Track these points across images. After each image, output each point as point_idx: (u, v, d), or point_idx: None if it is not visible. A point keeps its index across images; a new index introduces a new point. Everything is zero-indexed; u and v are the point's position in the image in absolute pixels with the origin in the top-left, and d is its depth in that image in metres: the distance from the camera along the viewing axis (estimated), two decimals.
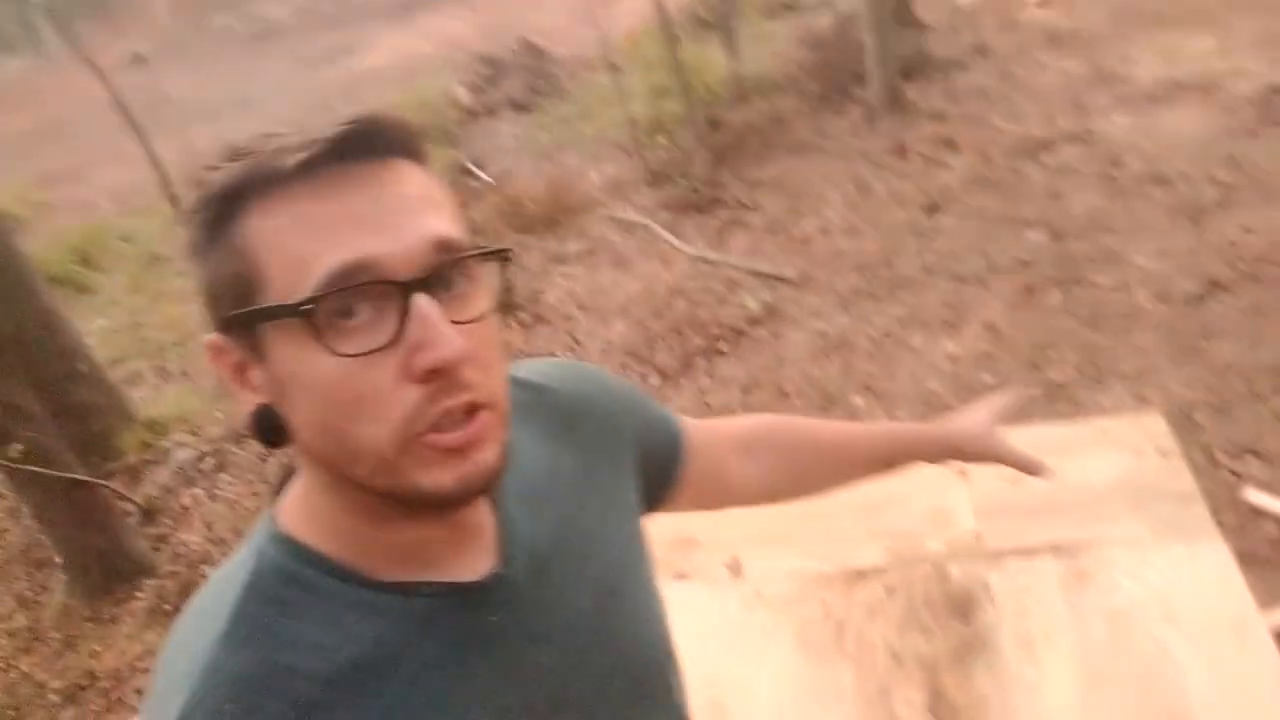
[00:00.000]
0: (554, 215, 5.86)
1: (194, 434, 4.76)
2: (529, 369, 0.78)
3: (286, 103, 9.92)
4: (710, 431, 0.94)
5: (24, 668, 3.66)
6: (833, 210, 5.17)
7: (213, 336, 0.58)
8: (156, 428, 4.77)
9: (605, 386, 0.82)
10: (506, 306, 5.08)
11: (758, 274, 4.79)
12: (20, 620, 3.93)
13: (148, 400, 5.15)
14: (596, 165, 6.50)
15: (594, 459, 0.76)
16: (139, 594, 3.84)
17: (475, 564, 0.63)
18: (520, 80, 8.17)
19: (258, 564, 0.59)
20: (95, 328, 6.11)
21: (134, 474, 4.52)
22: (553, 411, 0.75)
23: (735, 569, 1.73)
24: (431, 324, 0.53)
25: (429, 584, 0.61)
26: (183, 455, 4.59)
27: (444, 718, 0.59)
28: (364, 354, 0.53)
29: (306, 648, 0.56)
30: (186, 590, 3.81)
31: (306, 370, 0.54)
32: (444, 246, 0.55)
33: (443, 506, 0.57)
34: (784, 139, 5.95)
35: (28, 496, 3.84)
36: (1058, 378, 3.57)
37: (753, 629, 1.60)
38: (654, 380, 4.31)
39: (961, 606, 1.53)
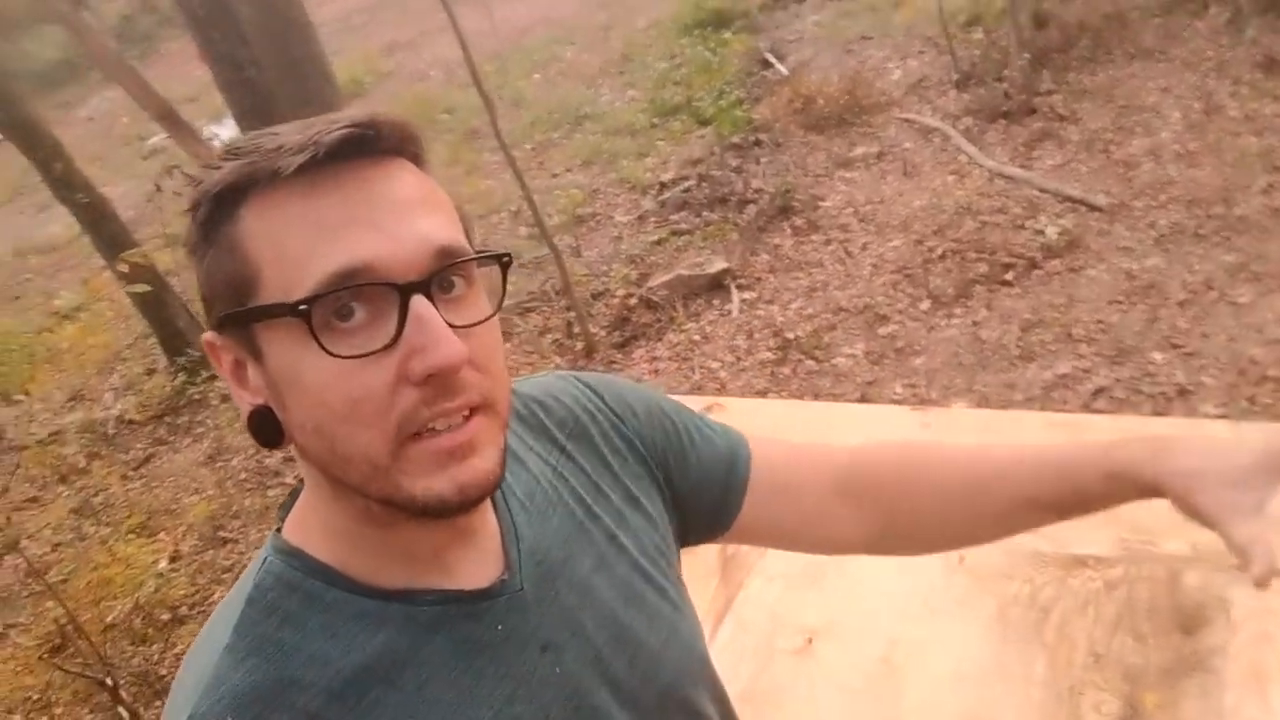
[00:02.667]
0: (846, 114, 5.61)
1: None
2: (531, 385, 0.77)
3: None
4: (802, 459, 0.83)
5: None
6: (1168, 130, 4.52)
7: (209, 335, 0.58)
8: None
9: (617, 397, 0.78)
10: (783, 210, 5.00)
11: (1064, 197, 4.34)
12: None
13: None
14: (901, 61, 6.10)
15: (604, 470, 0.74)
16: None
17: (480, 571, 0.63)
18: None
19: (261, 577, 0.59)
20: None
21: None
22: (559, 424, 0.74)
23: None
24: (430, 326, 0.52)
25: (433, 591, 0.60)
26: None
27: None
28: (360, 356, 0.52)
29: (309, 659, 0.56)
30: None
31: (302, 371, 0.53)
32: (443, 251, 0.54)
33: (440, 514, 0.55)
34: (1123, 41, 5.23)
35: None
36: None
37: (947, 595, 1.53)
38: (924, 305, 4.09)
39: (1189, 619, 1.36)
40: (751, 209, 5.10)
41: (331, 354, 0.52)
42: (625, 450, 0.76)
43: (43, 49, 11.81)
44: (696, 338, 4.36)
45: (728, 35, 7.11)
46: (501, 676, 0.60)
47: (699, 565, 1.75)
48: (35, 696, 3.33)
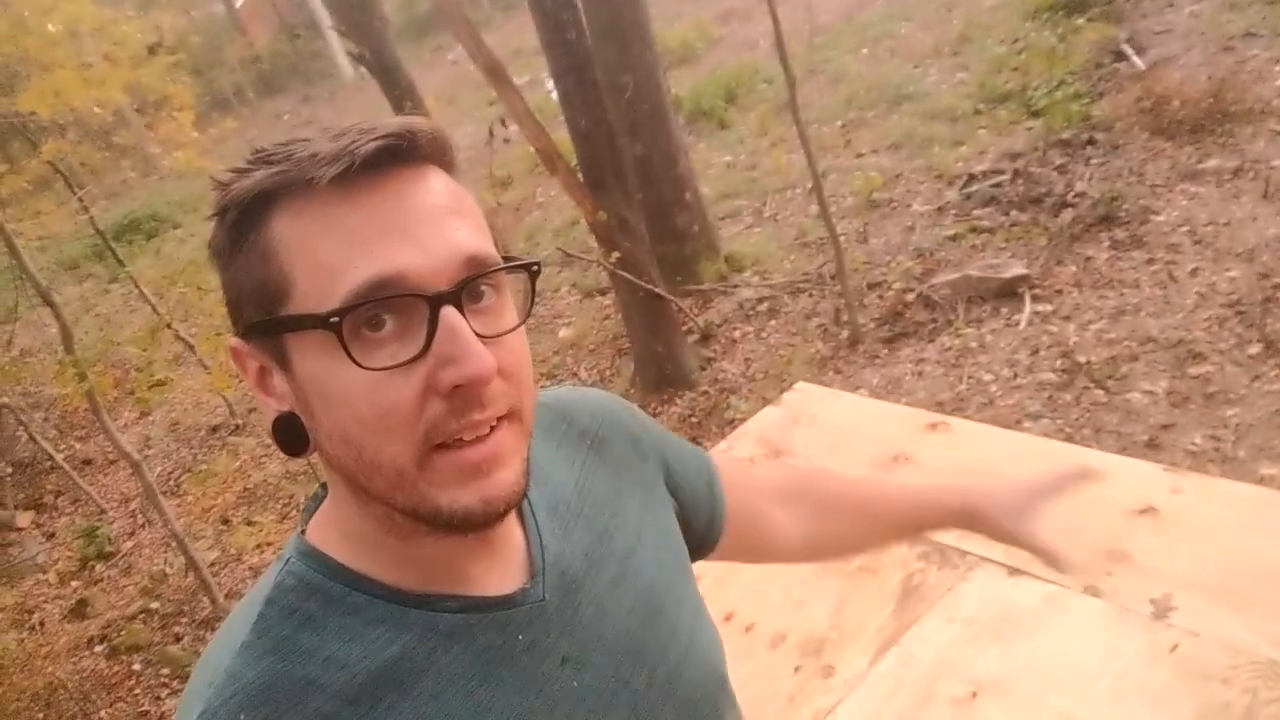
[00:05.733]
0: (1206, 120, 4.90)
1: (762, 277, 5.20)
2: (555, 395, 0.77)
3: None
4: (746, 476, 0.91)
5: None
6: None
7: (235, 341, 0.58)
8: (734, 263, 5.31)
9: (631, 414, 0.80)
10: (1104, 219, 4.50)
11: None
12: None
13: (736, 237, 5.72)
14: None
15: (624, 483, 0.74)
16: (677, 400, 4.45)
17: (503, 580, 0.63)
18: None
19: (282, 577, 0.59)
20: (719, 162, 6.87)
21: (704, 299, 5.14)
22: (581, 436, 0.75)
23: (1162, 609, 1.43)
24: (460, 339, 0.52)
25: (455, 598, 0.60)
26: (746, 293, 5.07)
27: None
28: (390, 368, 0.52)
29: (326, 661, 0.56)
30: (714, 410, 4.32)
31: (331, 381, 0.53)
32: (473, 260, 0.54)
33: (466, 528, 0.55)
34: None
35: (620, 296, 4.62)
36: None
37: (1143, 683, 1.33)
38: (1253, 349, 3.53)
39: None
40: (1068, 214, 4.64)
41: (362, 366, 0.52)
42: (642, 464, 0.78)
43: None
44: (973, 345, 4.07)
45: (1080, 21, 6.44)
46: (521, 688, 0.60)
47: (875, 590, 1.66)
48: None
